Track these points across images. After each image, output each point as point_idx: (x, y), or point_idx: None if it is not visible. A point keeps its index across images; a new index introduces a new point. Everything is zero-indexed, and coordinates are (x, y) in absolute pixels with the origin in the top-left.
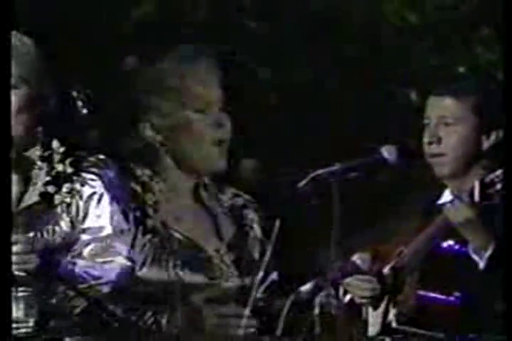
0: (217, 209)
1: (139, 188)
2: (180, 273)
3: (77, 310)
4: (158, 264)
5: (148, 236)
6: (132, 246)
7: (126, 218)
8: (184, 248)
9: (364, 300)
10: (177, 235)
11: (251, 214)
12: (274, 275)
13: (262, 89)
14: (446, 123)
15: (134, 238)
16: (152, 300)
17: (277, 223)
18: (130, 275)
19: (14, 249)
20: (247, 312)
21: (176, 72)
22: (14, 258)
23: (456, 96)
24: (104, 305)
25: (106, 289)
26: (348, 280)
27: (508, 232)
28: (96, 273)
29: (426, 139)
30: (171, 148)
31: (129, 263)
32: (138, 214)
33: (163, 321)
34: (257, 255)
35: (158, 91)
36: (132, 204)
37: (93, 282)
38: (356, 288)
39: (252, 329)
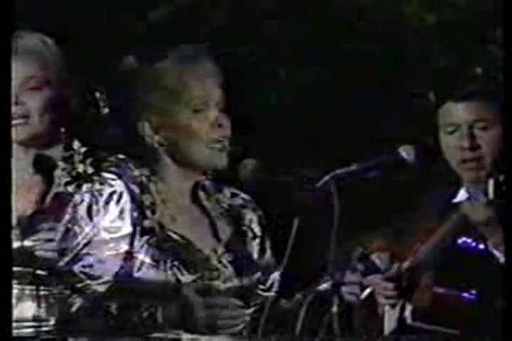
0: (215, 209)
1: (136, 189)
2: (178, 273)
3: (74, 308)
4: (156, 265)
5: (146, 237)
6: (131, 247)
7: (140, 218)
8: (181, 249)
9: (389, 301)
10: (174, 236)
11: (250, 214)
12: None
13: (279, 90)
14: (480, 128)
15: (132, 239)
16: (148, 297)
17: (296, 222)
18: (129, 276)
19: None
20: (237, 302)
21: (176, 71)
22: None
23: (479, 99)
24: (101, 303)
25: (103, 289)
26: (372, 279)
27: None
28: (95, 273)
29: (463, 144)
30: (170, 147)
31: (128, 264)
32: (136, 214)
33: (159, 315)
34: (255, 255)
35: (157, 90)
36: (131, 205)
37: (90, 281)
38: (381, 287)
39: (242, 319)
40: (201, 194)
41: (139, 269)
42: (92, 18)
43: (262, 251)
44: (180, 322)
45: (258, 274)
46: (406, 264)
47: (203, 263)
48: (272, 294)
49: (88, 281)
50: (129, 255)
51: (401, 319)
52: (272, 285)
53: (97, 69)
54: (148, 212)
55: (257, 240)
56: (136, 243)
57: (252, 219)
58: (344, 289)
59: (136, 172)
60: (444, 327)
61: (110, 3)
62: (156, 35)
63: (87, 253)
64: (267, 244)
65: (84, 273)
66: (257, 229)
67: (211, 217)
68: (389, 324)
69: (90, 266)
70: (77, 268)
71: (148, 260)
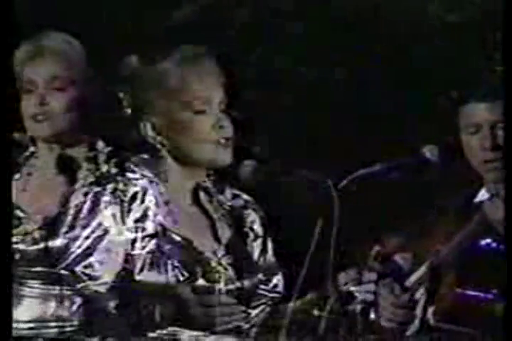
0: (216, 210)
1: (139, 190)
2: (179, 275)
3: (75, 307)
4: (157, 267)
5: (147, 239)
6: (132, 248)
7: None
8: (183, 250)
9: (392, 324)
10: (176, 237)
11: (251, 215)
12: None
13: (301, 88)
14: (501, 129)
15: (134, 240)
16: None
17: (319, 222)
18: (129, 278)
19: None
20: (230, 300)
21: (177, 72)
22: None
23: (501, 99)
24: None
25: (103, 289)
26: (383, 303)
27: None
28: (95, 273)
29: (485, 145)
30: (172, 148)
31: (128, 266)
32: (138, 216)
33: (157, 313)
34: (257, 256)
35: (159, 91)
36: (132, 207)
37: (90, 283)
38: (389, 312)
39: (238, 317)
40: (202, 195)
41: (141, 271)
42: (114, 18)
43: (264, 251)
44: (177, 320)
45: (260, 275)
46: (425, 264)
47: (204, 265)
48: (277, 295)
49: (89, 283)
50: (131, 256)
51: (424, 320)
52: (276, 285)
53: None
54: (149, 214)
55: (259, 241)
56: (138, 244)
57: (253, 220)
58: (360, 288)
59: (139, 174)
60: (467, 327)
61: (131, 3)
62: (176, 36)
63: (112, 253)
64: (269, 245)
65: (84, 274)
66: (258, 230)
67: (212, 219)
68: (411, 324)
69: (88, 267)
70: (100, 267)
71: (149, 262)
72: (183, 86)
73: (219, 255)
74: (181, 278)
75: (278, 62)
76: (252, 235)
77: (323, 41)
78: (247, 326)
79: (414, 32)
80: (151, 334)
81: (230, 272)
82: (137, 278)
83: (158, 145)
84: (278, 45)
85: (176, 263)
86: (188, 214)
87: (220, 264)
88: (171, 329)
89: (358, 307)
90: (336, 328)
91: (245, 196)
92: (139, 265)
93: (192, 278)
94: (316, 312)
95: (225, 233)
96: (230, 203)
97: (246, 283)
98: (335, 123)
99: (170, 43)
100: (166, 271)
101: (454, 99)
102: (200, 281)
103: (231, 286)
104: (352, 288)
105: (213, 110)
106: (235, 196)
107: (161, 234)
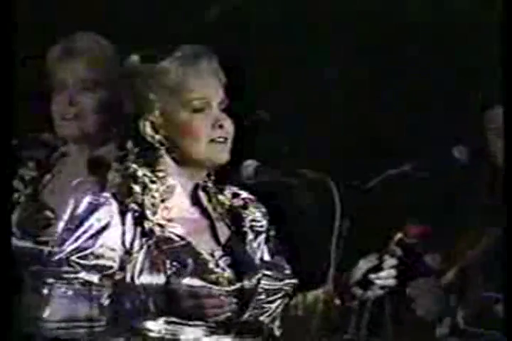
0: (216, 210)
1: (138, 189)
2: (178, 275)
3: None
4: (155, 267)
5: (145, 238)
6: (131, 248)
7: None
8: (181, 250)
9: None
10: (174, 237)
11: (252, 214)
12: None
13: (327, 89)
14: None
15: (133, 240)
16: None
17: (347, 223)
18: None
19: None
20: (220, 292)
21: (177, 71)
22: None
23: None
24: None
25: (96, 279)
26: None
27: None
28: (90, 263)
29: None
30: (171, 147)
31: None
32: (136, 215)
33: (151, 305)
34: (259, 254)
35: (158, 90)
36: (131, 206)
37: (84, 275)
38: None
39: (226, 309)
40: (202, 195)
41: (141, 272)
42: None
43: (268, 248)
44: (168, 311)
45: (267, 272)
46: (456, 267)
47: (202, 266)
48: (291, 289)
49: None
50: (129, 256)
51: (453, 323)
52: (289, 280)
53: None
54: (149, 213)
55: (261, 238)
56: (136, 244)
57: (254, 218)
58: (381, 274)
59: (139, 172)
60: (496, 331)
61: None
62: (202, 36)
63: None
64: (273, 242)
65: (79, 265)
66: (260, 225)
67: (212, 219)
68: (441, 328)
69: (83, 258)
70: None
71: (147, 261)
72: (183, 85)
73: (217, 256)
74: (180, 278)
75: (300, 62)
76: (253, 234)
77: (347, 42)
78: (268, 320)
79: (441, 32)
80: (152, 334)
81: (229, 273)
82: (136, 277)
83: (157, 145)
84: (301, 46)
85: (175, 263)
86: (188, 214)
87: (217, 265)
88: (171, 329)
89: (379, 292)
90: (358, 317)
91: (246, 195)
92: (139, 265)
93: (190, 278)
94: (337, 302)
95: (225, 233)
96: (229, 203)
97: (246, 283)
98: (361, 124)
99: (195, 43)
100: (165, 271)
101: (481, 101)
102: (198, 281)
103: (230, 287)
104: (372, 275)
105: (213, 110)
106: (234, 195)
107: (160, 233)
